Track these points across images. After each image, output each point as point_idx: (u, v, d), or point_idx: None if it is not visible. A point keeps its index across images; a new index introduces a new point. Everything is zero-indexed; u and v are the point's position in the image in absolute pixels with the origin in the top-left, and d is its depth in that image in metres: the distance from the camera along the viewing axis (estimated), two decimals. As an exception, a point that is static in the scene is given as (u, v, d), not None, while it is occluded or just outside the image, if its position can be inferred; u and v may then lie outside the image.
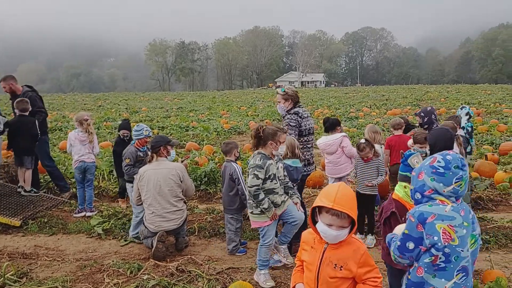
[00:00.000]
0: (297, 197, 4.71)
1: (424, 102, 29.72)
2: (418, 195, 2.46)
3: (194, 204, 7.16)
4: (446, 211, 2.34)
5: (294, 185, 4.87)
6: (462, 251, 2.34)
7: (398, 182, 3.17)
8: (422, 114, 6.26)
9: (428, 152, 4.21)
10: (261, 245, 4.37)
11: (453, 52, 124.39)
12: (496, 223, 5.72)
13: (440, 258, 2.34)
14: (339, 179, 6.13)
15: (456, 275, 2.36)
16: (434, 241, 2.32)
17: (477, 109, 22.01)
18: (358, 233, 5.30)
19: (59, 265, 4.93)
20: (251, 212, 4.41)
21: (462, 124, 7.62)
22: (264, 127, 4.41)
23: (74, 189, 7.41)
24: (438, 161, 2.38)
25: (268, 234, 4.37)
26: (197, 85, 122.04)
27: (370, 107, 26.69)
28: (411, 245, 2.39)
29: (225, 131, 16.56)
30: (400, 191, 3.08)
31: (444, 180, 2.34)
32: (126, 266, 4.67)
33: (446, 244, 2.31)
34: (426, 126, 6.08)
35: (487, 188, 7.43)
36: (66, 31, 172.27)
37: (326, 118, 6.73)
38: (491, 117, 19.09)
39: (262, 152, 4.32)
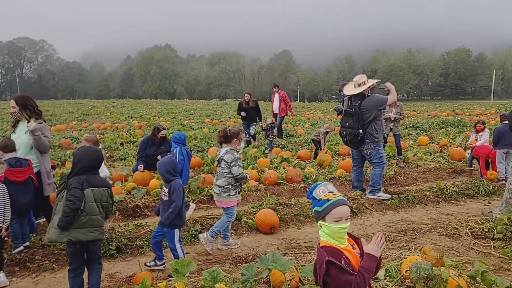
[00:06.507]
0: None
1: (91, 117, 29.91)
2: None
3: None
4: None
5: None
6: None
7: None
8: None
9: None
10: (228, 220, 5.39)
11: (117, 68, 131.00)
12: (149, 227, 6.29)
13: None
14: None
15: None
16: None
17: (138, 122, 23.89)
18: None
19: None
20: (228, 195, 5.29)
21: None
22: (229, 128, 5.50)
23: None
24: None
25: (234, 212, 5.48)
26: None
27: (33, 123, 24.65)
28: None
29: None
30: (323, 235, 2.60)
31: None
32: None
33: None
34: None
35: (144, 195, 8.13)
36: None
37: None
38: (149, 130, 21.04)
39: (232, 148, 5.30)
